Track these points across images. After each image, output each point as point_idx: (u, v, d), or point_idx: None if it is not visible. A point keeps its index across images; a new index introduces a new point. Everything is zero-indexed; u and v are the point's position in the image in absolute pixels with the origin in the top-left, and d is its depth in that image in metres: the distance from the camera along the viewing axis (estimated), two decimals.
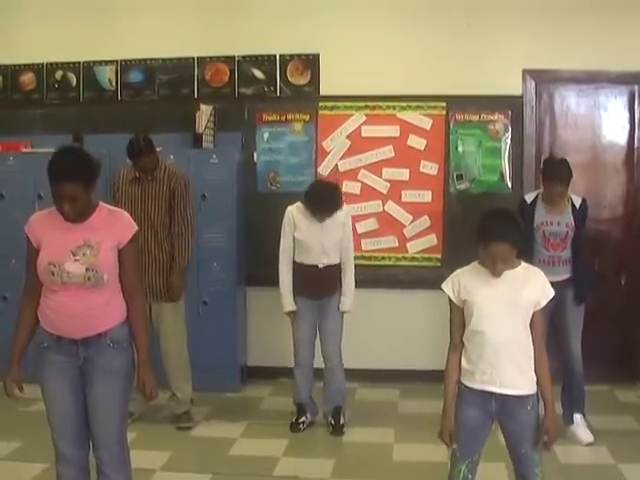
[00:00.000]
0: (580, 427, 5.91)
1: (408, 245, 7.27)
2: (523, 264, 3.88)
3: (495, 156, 7.19)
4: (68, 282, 3.76)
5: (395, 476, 5.38)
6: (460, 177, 7.22)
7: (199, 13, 7.45)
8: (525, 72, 7.17)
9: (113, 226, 3.88)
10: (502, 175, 7.17)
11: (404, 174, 7.22)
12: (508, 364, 3.75)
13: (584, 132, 7.27)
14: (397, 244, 7.28)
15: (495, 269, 3.74)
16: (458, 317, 3.91)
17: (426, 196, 7.24)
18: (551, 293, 3.83)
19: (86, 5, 7.56)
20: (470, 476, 3.93)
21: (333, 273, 6.04)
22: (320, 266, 5.96)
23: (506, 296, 3.76)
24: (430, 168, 7.23)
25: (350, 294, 6.06)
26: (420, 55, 7.21)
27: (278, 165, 7.37)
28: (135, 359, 3.99)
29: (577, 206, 5.91)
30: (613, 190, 7.27)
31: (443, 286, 3.95)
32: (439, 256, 7.25)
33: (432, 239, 7.23)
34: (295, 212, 6.01)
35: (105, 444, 3.87)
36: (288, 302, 6.02)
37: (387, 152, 7.21)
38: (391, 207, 7.25)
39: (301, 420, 6.17)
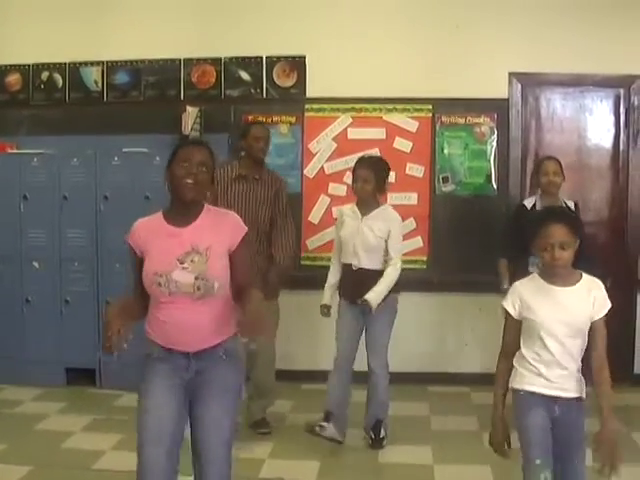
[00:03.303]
0: None
1: None
2: (585, 276, 3.76)
3: (481, 158, 7.22)
4: (176, 292, 3.55)
5: (379, 477, 5.40)
6: (446, 179, 7.24)
7: (186, 14, 7.44)
8: (511, 75, 7.20)
9: (222, 229, 3.66)
10: (488, 177, 7.20)
11: (390, 176, 7.20)
12: (570, 374, 3.69)
13: (570, 135, 7.29)
14: None
15: (553, 257, 3.59)
16: (515, 330, 3.80)
17: (412, 198, 7.24)
18: (606, 306, 3.74)
19: (72, 6, 7.55)
20: None
21: (371, 277, 5.80)
22: (353, 267, 5.85)
23: (569, 316, 3.66)
24: (416, 170, 7.24)
25: (378, 290, 5.74)
26: (407, 57, 7.23)
27: None
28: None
29: (572, 209, 5.98)
30: (598, 193, 7.30)
31: (504, 304, 3.81)
32: (425, 258, 7.26)
33: (418, 241, 7.23)
34: (344, 211, 6.01)
35: (214, 464, 3.67)
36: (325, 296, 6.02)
37: (373, 154, 7.20)
38: None
39: (319, 423, 5.81)
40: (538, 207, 6.06)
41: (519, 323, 3.77)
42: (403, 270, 5.79)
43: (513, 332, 3.80)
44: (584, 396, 3.74)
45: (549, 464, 3.64)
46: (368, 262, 5.81)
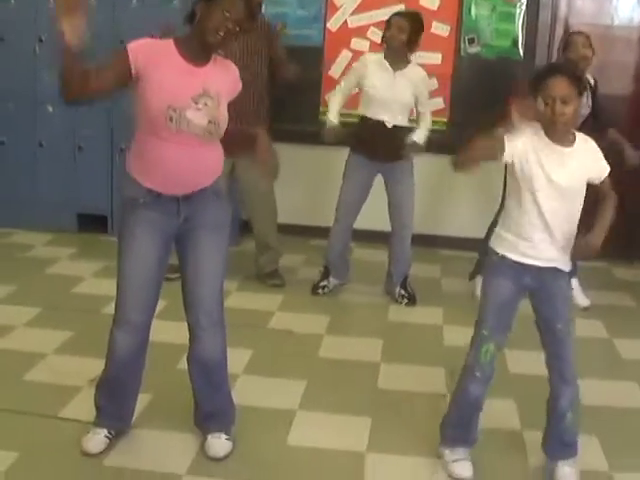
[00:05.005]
0: (578, 291, 5.99)
1: None
2: (578, 135, 3.54)
3: (509, 21, 7.02)
4: (185, 131, 3.45)
5: (387, 335, 5.41)
6: (472, 41, 7.06)
7: None
8: None
9: (227, 78, 3.64)
10: (514, 41, 7.02)
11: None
12: (556, 242, 3.54)
13: (601, 5, 7.09)
14: None
15: (554, 112, 3.37)
16: (497, 153, 3.48)
17: (435, 58, 7.05)
18: (606, 169, 3.58)
19: None
20: (495, 359, 3.64)
21: (403, 135, 5.72)
22: (387, 124, 5.66)
23: (572, 176, 3.47)
24: (442, 29, 7.06)
25: (423, 132, 5.76)
26: None
27: (286, 17, 7.12)
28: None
29: (592, 85, 5.83)
30: (626, 67, 7.15)
31: (514, 136, 3.49)
32: (445, 119, 7.15)
33: (439, 102, 7.07)
34: (370, 60, 5.74)
35: (207, 306, 3.69)
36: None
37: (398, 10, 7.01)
38: None
39: (322, 284, 6.05)
40: None
41: (507, 160, 3.50)
42: None
43: (494, 151, 3.50)
44: (565, 269, 3.62)
45: (497, 338, 3.62)
46: (402, 119, 5.73)
